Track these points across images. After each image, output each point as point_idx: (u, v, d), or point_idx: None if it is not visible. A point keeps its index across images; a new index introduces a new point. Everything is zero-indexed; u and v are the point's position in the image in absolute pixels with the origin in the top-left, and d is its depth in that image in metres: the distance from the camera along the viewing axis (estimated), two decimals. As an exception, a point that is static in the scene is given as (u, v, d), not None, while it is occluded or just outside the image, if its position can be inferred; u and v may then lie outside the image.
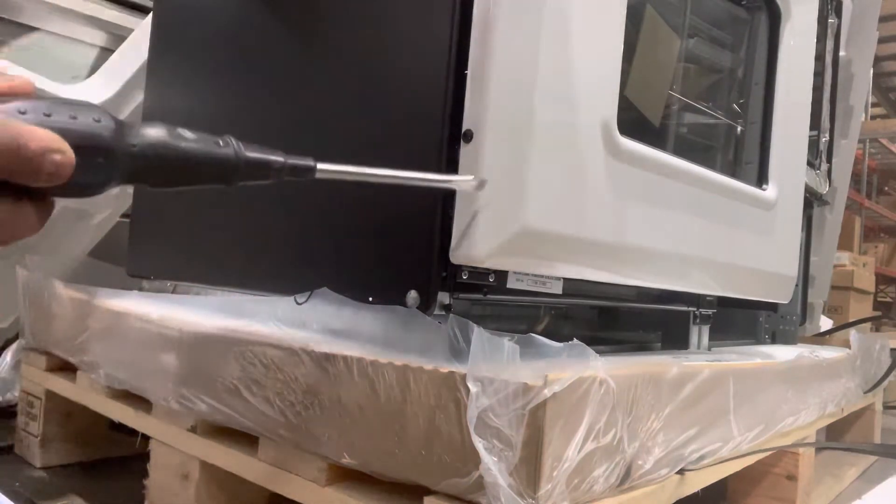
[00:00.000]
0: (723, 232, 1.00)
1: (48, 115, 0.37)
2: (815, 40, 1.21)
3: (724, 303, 1.11)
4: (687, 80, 1.12)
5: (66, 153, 0.36)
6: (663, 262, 0.90)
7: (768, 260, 1.11)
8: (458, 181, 0.65)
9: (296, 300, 0.79)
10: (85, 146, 0.37)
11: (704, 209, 0.96)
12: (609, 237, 0.79)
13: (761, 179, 1.11)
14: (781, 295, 1.19)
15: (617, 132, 0.78)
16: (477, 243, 0.66)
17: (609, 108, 0.77)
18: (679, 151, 0.93)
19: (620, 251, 0.82)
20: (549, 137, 0.70)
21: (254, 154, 0.47)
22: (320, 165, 0.51)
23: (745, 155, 1.15)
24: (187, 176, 0.44)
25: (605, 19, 0.77)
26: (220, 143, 0.45)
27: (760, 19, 1.14)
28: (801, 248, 1.32)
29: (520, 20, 0.69)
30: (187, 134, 0.43)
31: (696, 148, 1.16)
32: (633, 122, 0.89)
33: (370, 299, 0.73)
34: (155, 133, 0.42)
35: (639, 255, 0.85)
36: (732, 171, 1.14)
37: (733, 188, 1.02)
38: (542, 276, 0.78)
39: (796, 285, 1.24)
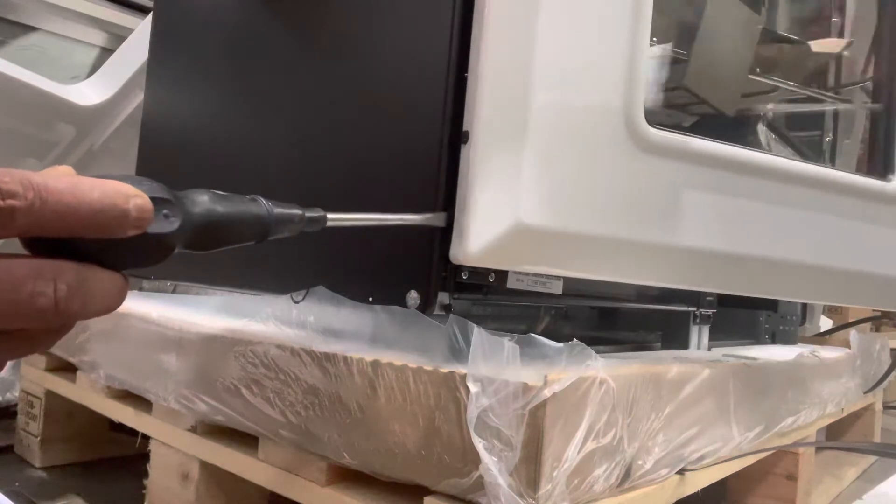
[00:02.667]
0: (822, 232, 0.86)
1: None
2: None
3: (724, 303, 1.11)
4: (783, 60, 0.97)
5: (143, 197, 0.36)
6: (731, 266, 0.80)
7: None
8: (431, 218, 0.66)
9: (293, 298, 0.79)
10: (151, 196, 0.37)
11: (787, 206, 0.82)
12: (638, 235, 0.72)
13: (886, 169, 0.95)
14: None
15: (644, 122, 0.71)
16: (470, 241, 0.66)
17: (630, 97, 0.70)
18: (768, 143, 0.83)
19: (651, 250, 0.75)
20: (548, 132, 0.67)
21: (280, 210, 0.47)
22: (330, 215, 0.53)
23: (865, 142, 1.00)
24: (232, 237, 0.44)
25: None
26: (251, 200, 0.45)
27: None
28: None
29: (514, 3, 0.66)
30: (223, 194, 0.43)
31: (795, 137, 1.03)
32: (702, 115, 0.81)
33: (370, 299, 0.73)
34: (202, 196, 0.42)
35: (678, 257, 0.76)
36: (845, 160, 1.00)
37: (832, 180, 0.87)
38: (542, 277, 0.78)
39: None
